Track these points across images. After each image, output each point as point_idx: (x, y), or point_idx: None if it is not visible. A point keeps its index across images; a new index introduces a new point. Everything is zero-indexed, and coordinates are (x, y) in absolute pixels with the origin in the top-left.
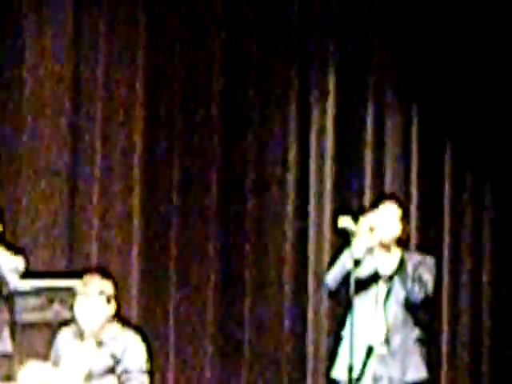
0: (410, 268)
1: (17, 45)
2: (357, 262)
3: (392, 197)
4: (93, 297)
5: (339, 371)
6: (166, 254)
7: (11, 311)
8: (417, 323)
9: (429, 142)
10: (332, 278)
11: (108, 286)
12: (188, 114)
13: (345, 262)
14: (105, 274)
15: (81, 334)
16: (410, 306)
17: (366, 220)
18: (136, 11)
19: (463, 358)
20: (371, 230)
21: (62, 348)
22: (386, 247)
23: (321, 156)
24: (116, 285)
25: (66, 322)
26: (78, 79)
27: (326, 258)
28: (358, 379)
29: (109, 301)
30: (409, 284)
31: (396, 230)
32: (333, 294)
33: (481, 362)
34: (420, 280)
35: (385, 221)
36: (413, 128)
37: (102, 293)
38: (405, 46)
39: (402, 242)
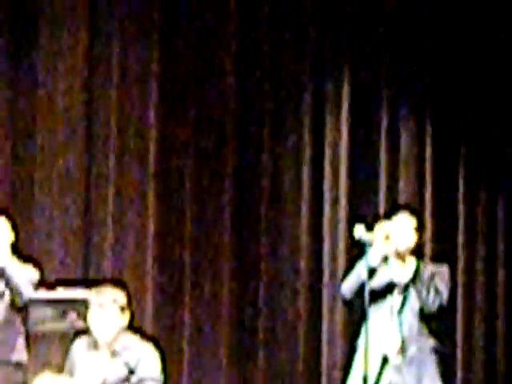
0: (425, 278)
1: (31, 55)
2: (372, 272)
3: (406, 207)
4: (106, 307)
5: (354, 381)
6: (180, 264)
7: (26, 322)
8: (432, 333)
9: (443, 152)
10: (347, 288)
11: (121, 296)
12: (202, 110)
13: (360, 271)
14: (118, 283)
15: (95, 344)
16: (425, 316)
17: (381, 228)
18: (150, 28)
19: (478, 367)
20: (387, 238)
21: (77, 358)
22: (401, 257)
23: (335, 166)
24: (130, 295)
25: (80, 333)
26: (92, 85)
27: (341, 268)
28: None
29: (122, 310)
30: (424, 294)
31: (411, 239)
32: (348, 304)
33: (496, 371)
34: (435, 290)
35: (400, 230)
36: (427, 138)
37: (115, 302)
38: (419, 54)
39: (417, 252)
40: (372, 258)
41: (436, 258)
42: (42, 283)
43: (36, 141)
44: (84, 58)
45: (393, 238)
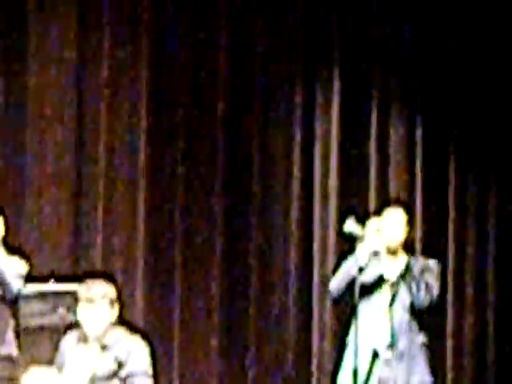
0: (415, 273)
1: (21, 55)
2: (361, 269)
3: (397, 201)
4: (96, 301)
5: (344, 376)
6: (170, 259)
7: (15, 316)
8: (422, 328)
9: (433, 147)
10: (336, 284)
11: (111, 290)
12: (192, 116)
13: (349, 268)
14: (107, 277)
15: (85, 338)
16: (415, 311)
17: (372, 223)
18: (139, 23)
19: (468, 362)
20: (377, 234)
21: (66, 352)
22: (392, 252)
23: (325, 163)
24: (120, 289)
25: (70, 327)
26: (82, 86)
27: (331, 264)
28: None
29: (112, 304)
30: (414, 289)
31: (402, 234)
32: (337, 300)
33: (485, 366)
34: (425, 285)
35: (391, 225)
36: (417, 134)
37: (104, 297)
38: (409, 55)
39: (408, 247)
40: (360, 256)
41: (426, 253)
42: (32, 277)
43: (26, 138)
44: (74, 61)
45: (384, 234)
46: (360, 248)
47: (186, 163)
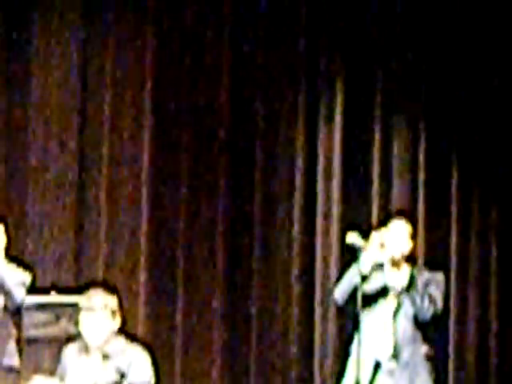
0: (419, 285)
1: (25, 61)
2: (364, 278)
3: (401, 213)
4: (97, 311)
5: None
6: (172, 269)
7: (18, 326)
8: (425, 339)
9: (436, 160)
10: (339, 293)
11: (112, 300)
12: (196, 128)
13: (352, 277)
14: (109, 288)
15: (86, 349)
16: (418, 323)
17: (376, 236)
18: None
19: (470, 374)
20: (382, 246)
21: (68, 363)
22: (396, 264)
23: (328, 175)
24: (121, 298)
25: (72, 338)
26: (85, 93)
27: (334, 274)
28: None
29: (113, 314)
30: (418, 301)
31: (406, 246)
32: (341, 309)
33: (488, 378)
34: (429, 297)
35: (395, 237)
36: (420, 147)
37: (106, 307)
38: (412, 63)
39: (411, 259)
40: (363, 265)
41: (428, 265)
42: (34, 288)
43: (29, 147)
44: (77, 64)
45: (388, 246)
46: (362, 258)
47: (190, 177)
